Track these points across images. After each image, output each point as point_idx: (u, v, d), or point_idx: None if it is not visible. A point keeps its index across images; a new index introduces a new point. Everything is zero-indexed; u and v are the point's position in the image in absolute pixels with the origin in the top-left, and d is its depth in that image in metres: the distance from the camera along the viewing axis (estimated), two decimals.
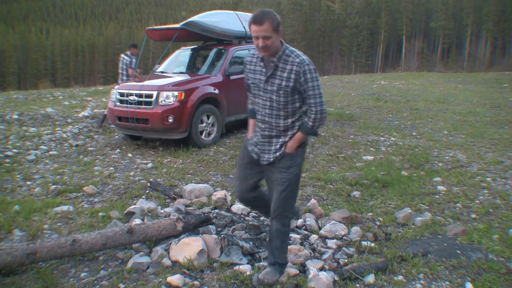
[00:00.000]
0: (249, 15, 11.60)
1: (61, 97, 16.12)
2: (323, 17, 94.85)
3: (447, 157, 8.39)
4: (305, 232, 4.98)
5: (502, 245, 4.57)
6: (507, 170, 7.50)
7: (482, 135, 10.31)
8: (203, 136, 9.07)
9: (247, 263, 4.22)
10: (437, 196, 6.23)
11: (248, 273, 3.97)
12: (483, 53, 78.73)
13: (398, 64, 75.96)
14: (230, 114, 9.91)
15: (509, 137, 10.11)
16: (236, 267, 4.09)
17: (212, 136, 9.29)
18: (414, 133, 10.66)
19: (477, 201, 6.04)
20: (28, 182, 6.74)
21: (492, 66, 66.81)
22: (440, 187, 6.56)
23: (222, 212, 5.29)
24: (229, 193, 6.13)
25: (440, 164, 7.88)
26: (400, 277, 3.93)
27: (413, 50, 76.89)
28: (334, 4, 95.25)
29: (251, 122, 3.98)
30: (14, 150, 8.34)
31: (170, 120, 8.47)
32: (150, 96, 8.63)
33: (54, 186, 6.45)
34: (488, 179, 7.01)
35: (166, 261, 4.18)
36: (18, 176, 7.01)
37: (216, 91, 9.34)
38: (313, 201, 5.61)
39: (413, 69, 57.50)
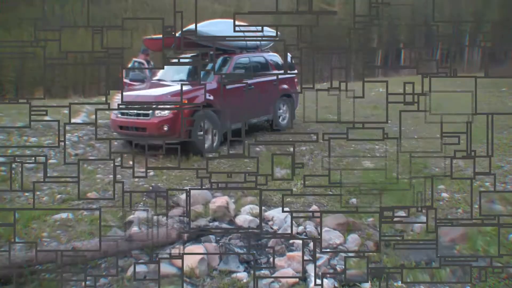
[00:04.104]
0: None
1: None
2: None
3: (446, 162, 8.36)
4: (305, 238, 4.97)
5: (503, 250, 4.56)
6: (506, 175, 7.50)
7: (481, 140, 10.28)
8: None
9: (244, 271, 4.26)
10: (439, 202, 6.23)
11: (244, 280, 4.03)
12: (481, 58, 78.72)
13: (397, 70, 75.95)
14: (230, 122, 9.95)
15: (508, 141, 10.10)
16: (234, 275, 4.15)
17: (212, 143, 9.32)
18: (413, 139, 10.65)
19: (477, 207, 6.02)
20: (26, 194, 6.71)
21: (491, 71, 66.82)
22: (442, 194, 6.56)
23: (223, 225, 5.16)
24: (232, 200, 5.90)
25: (439, 169, 7.87)
26: (400, 284, 3.93)
27: (412, 55, 76.97)
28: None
29: None
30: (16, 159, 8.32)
31: (165, 129, 8.77)
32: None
33: (59, 196, 6.45)
34: (487, 184, 7.01)
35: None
36: (17, 185, 6.98)
37: (215, 99, 9.42)
38: (314, 207, 5.60)
39: (412, 74, 57.58)
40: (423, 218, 5.44)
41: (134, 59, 12.59)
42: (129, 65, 12.45)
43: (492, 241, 4.82)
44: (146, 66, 12.41)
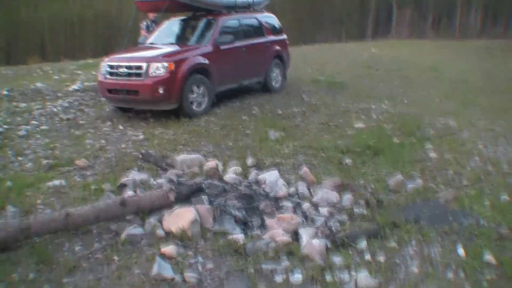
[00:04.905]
0: None
1: (51, 72, 15.89)
2: None
3: (438, 125, 8.40)
4: (298, 200, 5.00)
5: (493, 211, 4.61)
6: (498, 137, 7.54)
7: (473, 103, 10.32)
8: (194, 107, 9.00)
9: (240, 232, 4.26)
10: (428, 163, 6.26)
11: (241, 242, 4.00)
12: (474, 21, 78.21)
13: (389, 33, 75.48)
14: (220, 84, 9.84)
15: (500, 105, 10.13)
16: (230, 236, 4.12)
17: (203, 106, 9.21)
18: (405, 101, 10.64)
19: (469, 168, 6.07)
20: (20, 158, 6.68)
21: (483, 34, 66.51)
22: (432, 154, 6.58)
23: (215, 182, 5.28)
24: (221, 163, 6.10)
25: (431, 131, 7.90)
26: (393, 243, 3.98)
27: (404, 18, 76.29)
28: None
29: None
30: (5, 126, 8.24)
31: (161, 91, 8.40)
32: (140, 67, 8.56)
33: (45, 161, 6.41)
34: (480, 146, 7.05)
35: (160, 232, 4.19)
36: (9, 152, 6.94)
37: (206, 61, 9.26)
38: (305, 169, 5.61)
39: (404, 37, 57.17)
40: (419, 181, 5.52)
41: (146, 20, 12.60)
42: (142, 25, 12.63)
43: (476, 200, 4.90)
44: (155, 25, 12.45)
